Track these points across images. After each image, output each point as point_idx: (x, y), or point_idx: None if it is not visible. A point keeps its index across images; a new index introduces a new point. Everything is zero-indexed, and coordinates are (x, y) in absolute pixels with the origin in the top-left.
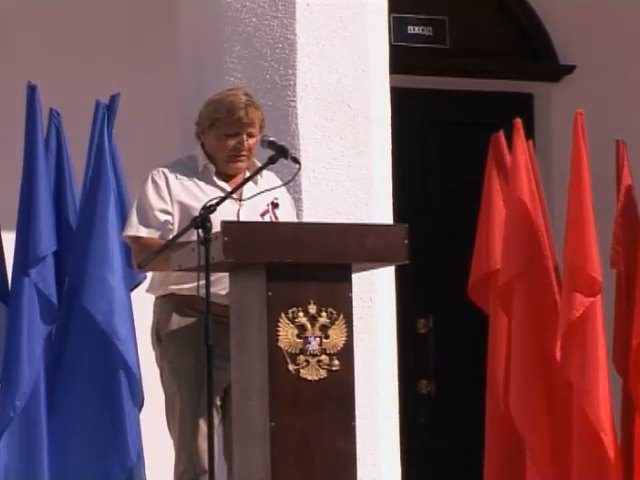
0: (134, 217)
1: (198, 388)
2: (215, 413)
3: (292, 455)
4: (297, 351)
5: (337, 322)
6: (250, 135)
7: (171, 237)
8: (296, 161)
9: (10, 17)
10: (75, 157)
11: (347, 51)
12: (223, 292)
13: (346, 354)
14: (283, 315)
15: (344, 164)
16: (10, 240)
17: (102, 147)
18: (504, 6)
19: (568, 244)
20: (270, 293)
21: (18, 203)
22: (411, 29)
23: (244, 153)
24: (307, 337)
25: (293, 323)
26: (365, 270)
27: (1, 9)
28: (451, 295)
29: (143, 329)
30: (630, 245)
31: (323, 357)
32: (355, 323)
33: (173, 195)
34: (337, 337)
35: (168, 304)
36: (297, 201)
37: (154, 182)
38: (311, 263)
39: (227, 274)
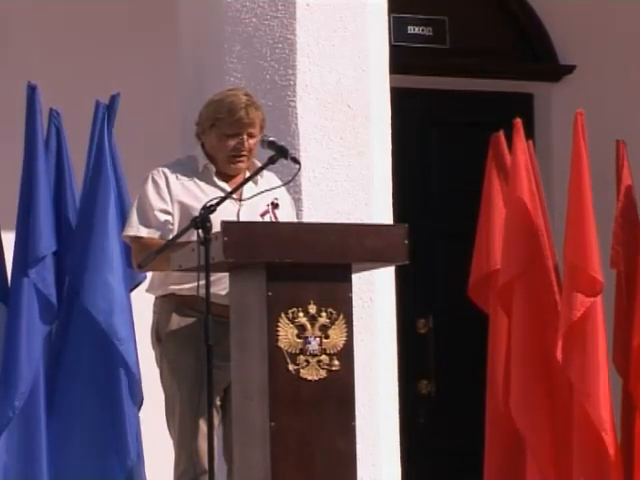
0: (134, 217)
1: (198, 388)
2: (215, 413)
3: (292, 455)
4: (297, 351)
5: (337, 322)
6: (250, 135)
7: (171, 237)
8: (296, 161)
9: (10, 17)
10: (75, 157)
11: (347, 51)
12: (223, 292)
13: (346, 354)
14: (283, 315)
15: (344, 164)
16: (10, 240)
17: (102, 147)
18: (504, 6)
19: (568, 244)
20: (270, 293)
21: (18, 203)
22: (411, 29)
23: (244, 153)
24: (307, 337)
25: (293, 323)
26: (365, 270)
27: (1, 9)
28: (451, 295)
29: (143, 329)
30: (630, 245)
31: (323, 357)
32: (355, 323)
33: (173, 195)
34: (337, 337)
35: (168, 304)
36: (297, 201)
37: (154, 182)
38: (311, 263)
39: (227, 274)
